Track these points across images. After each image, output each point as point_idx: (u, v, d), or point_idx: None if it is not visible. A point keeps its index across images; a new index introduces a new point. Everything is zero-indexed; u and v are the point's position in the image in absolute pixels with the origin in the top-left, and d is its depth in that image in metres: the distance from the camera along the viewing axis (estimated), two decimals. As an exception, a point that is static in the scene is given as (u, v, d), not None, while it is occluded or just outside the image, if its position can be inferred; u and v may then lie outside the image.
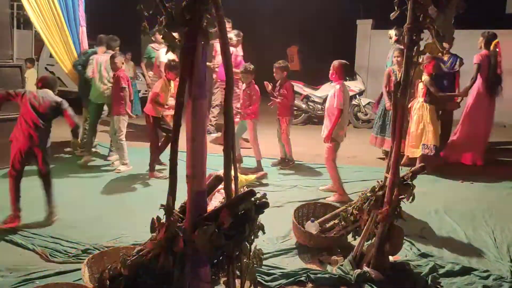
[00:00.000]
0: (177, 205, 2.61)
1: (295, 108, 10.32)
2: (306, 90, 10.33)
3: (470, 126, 6.73)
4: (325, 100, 10.07)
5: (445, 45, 3.50)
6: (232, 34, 7.79)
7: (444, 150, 6.74)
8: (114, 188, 5.66)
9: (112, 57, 6.20)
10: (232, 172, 2.58)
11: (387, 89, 6.77)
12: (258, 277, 3.28)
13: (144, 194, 5.45)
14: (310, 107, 10.27)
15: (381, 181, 3.57)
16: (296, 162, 6.80)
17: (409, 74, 3.33)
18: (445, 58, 6.81)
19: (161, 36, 2.46)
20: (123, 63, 6.35)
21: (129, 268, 2.32)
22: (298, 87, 10.28)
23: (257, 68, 6.57)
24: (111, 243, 4.00)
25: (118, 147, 6.31)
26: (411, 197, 3.47)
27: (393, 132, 3.45)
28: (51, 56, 7.81)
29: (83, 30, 7.22)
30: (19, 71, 6.21)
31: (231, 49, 7.32)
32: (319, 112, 10.23)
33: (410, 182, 3.46)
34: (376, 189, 3.53)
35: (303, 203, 4.57)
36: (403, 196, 3.45)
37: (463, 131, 6.79)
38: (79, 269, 3.41)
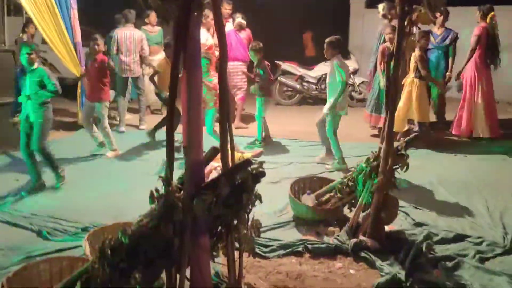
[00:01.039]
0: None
1: (290, 89, 10.42)
2: (300, 71, 10.31)
3: (471, 99, 6.79)
4: (319, 80, 10.18)
5: (437, 15, 3.51)
6: (240, 18, 7.79)
7: (453, 128, 6.82)
8: (110, 170, 5.69)
9: (94, 39, 5.97)
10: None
11: (382, 66, 6.80)
12: (256, 248, 3.36)
13: (140, 175, 5.46)
14: (305, 87, 10.27)
15: (376, 152, 3.62)
16: (293, 140, 6.94)
17: (401, 45, 3.36)
18: (438, 32, 6.83)
19: (154, 8, 2.46)
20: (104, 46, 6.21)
21: (130, 237, 2.36)
22: (292, 67, 10.28)
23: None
24: (110, 222, 4.05)
25: (104, 134, 6.13)
26: (405, 167, 3.52)
27: (386, 102, 3.49)
28: (43, 42, 7.71)
29: (74, 13, 7.11)
30: (11, 56, 6.17)
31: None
32: (314, 92, 10.24)
33: (404, 152, 3.51)
34: (371, 160, 3.58)
35: (299, 178, 4.62)
36: (397, 166, 3.51)
37: (468, 105, 6.83)
38: (79, 246, 3.48)
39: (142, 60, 7.72)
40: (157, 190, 2.58)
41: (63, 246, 3.63)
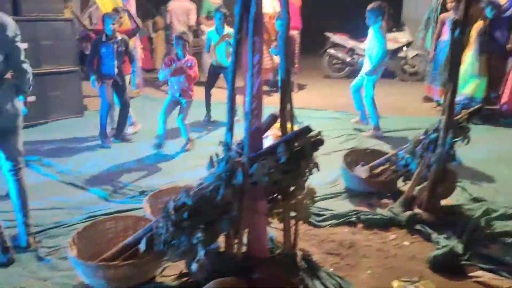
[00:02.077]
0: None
1: (339, 62, 10.22)
2: (351, 43, 10.06)
3: None
4: (370, 52, 9.92)
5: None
6: None
7: (508, 104, 6.48)
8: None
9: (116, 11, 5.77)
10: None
11: (438, 37, 6.56)
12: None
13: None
14: (355, 60, 10.03)
15: (435, 124, 3.51)
16: (343, 112, 6.92)
17: (468, 12, 3.20)
18: (502, 1, 6.44)
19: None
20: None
21: (192, 198, 2.45)
22: (343, 40, 10.05)
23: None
24: (165, 186, 4.20)
25: None
26: (466, 140, 3.41)
27: (449, 73, 3.36)
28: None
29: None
30: (70, 25, 6.38)
31: None
32: (364, 65, 10.01)
33: (465, 124, 3.39)
34: (430, 132, 3.48)
35: (352, 149, 4.58)
36: (458, 139, 3.40)
37: None
38: (138, 208, 3.64)
39: (190, 29, 8.05)
40: (216, 155, 2.65)
41: (123, 208, 3.80)
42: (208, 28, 7.64)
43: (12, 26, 2.84)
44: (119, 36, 5.29)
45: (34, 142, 5.38)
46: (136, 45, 7.26)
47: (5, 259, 2.91)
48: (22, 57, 2.95)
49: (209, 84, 6.48)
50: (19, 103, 3.00)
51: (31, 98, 3.39)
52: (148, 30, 11.37)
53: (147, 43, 10.69)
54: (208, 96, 6.45)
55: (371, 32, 5.61)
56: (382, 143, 5.48)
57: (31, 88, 3.09)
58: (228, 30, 6.20)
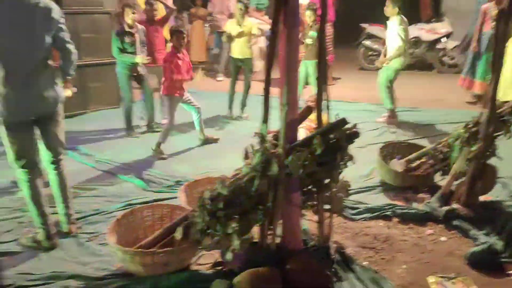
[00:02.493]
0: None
1: (375, 53, 10.02)
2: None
3: None
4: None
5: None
6: None
7: None
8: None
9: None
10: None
11: (481, 29, 6.34)
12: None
13: (226, 137, 5.64)
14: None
15: (476, 117, 3.41)
16: (378, 105, 6.72)
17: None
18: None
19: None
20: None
21: (228, 189, 2.48)
22: (378, 30, 9.84)
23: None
24: (199, 176, 4.26)
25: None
26: (509, 134, 3.30)
27: (492, 66, 3.24)
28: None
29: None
30: (108, 18, 6.52)
31: None
32: (401, 56, 9.79)
33: (508, 118, 3.28)
34: (470, 126, 3.39)
35: (388, 143, 4.50)
36: (499, 133, 3.29)
37: None
38: (173, 198, 3.71)
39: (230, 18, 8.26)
40: (252, 146, 2.67)
41: (159, 197, 3.88)
42: (256, 20, 7.66)
43: (56, 9, 2.93)
44: (139, 26, 5.46)
45: (74, 131, 5.56)
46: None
47: (49, 245, 3.04)
48: (67, 38, 3.03)
49: (233, 78, 6.40)
50: (61, 90, 3.08)
51: (74, 89, 3.46)
52: (183, 22, 11.48)
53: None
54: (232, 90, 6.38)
55: (390, 23, 5.79)
56: (420, 136, 5.37)
57: (75, 71, 3.17)
58: (248, 21, 6.16)
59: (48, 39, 2.88)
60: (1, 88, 2.77)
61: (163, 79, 4.91)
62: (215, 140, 5.39)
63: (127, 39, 5.31)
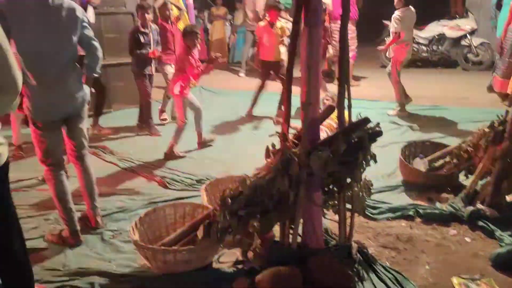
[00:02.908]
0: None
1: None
2: (410, 31, 9.72)
3: None
4: (431, 41, 9.56)
5: None
6: None
7: None
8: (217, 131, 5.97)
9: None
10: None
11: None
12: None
13: (247, 136, 5.67)
14: (414, 49, 9.68)
15: (502, 115, 3.34)
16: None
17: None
18: None
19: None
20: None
21: (249, 188, 2.49)
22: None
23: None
24: (221, 175, 4.28)
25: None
26: (536, 133, 3.22)
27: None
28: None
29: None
30: (131, 18, 6.61)
31: None
32: (424, 54, 9.66)
33: (535, 117, 3.20)
34: (496, 124, 3.32)
35: (410, 142, 4.45)
36: (526, 132, 3.21)
37: None
38: (195, 196, 3.74)
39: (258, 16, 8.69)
40: (273, 145, 2.67)
41: (181, 195, 3.92)
42: (285, 20, 7.65)
43: (79, 7, 2.99)
44: (153, 25, 5.59)
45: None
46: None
47: (74, 241, 3.10)
48: (92, 35, 3.08)
49: (262, 79, 6.38)
50: (88, 89, 3.14)
51: (91, 90, 3.51)
52: (203, 21, 11.54)
53: (202, 34, 10.90)
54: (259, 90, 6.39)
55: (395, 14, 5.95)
56: (443, 135, 5.28)
57: (101, 67, 3.22)
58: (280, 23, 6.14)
59: (75, 39, 2.93)
60: (33, 90, 2.84)
61: (172, 79, 4.98)
62: (211, 141, 5.36)
63: (141, 39, 5.40)
